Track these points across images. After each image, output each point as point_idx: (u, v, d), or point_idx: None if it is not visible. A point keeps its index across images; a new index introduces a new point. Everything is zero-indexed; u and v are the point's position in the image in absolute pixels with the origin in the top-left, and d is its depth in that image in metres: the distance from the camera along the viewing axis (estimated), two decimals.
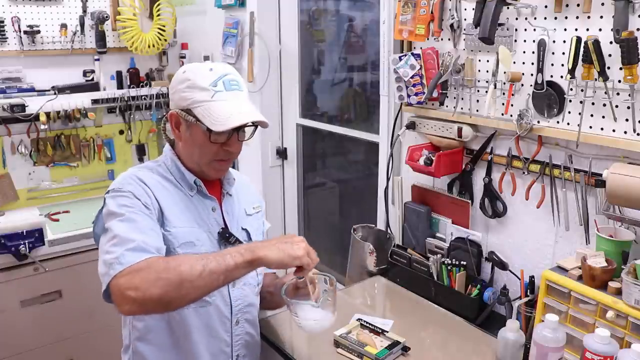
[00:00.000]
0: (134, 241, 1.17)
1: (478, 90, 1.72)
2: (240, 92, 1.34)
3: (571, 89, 1.45)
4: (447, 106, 1.85)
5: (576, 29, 1.44)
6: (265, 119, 1.34)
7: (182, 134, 1.36)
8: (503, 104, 1.64)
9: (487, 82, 1.66)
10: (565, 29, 1.47)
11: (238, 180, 1.54)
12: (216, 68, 1.34)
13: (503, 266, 1.70)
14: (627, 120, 1.38)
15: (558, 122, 1.52)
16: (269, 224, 1.64)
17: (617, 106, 1.38)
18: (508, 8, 1.56)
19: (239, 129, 1.34)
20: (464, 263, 1.75)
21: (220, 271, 1.13)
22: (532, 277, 1.58)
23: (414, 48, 1.91)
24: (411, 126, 1.95)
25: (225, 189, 1.48)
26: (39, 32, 2.72)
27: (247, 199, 1.55)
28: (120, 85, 3.00)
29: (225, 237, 1.41)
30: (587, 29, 1.41)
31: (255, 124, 1.35)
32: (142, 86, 3.03)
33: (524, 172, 1.65)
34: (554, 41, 1.50)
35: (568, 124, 1.50)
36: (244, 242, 1.44)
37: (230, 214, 1.46)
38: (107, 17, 2.84)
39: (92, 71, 2.92)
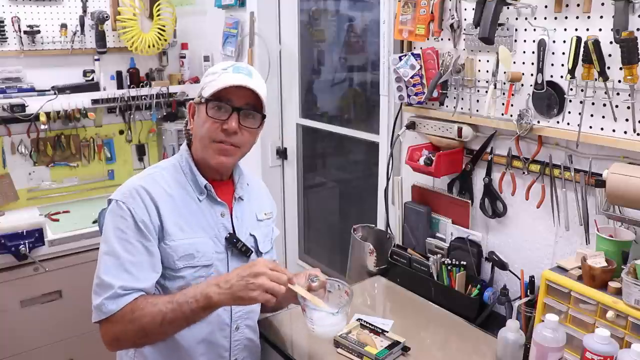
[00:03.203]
0: (112, 288, 1.24)
1: (478, 90, 1.72)
2: (247, 77, 1.34)
3: (571, 89, 1.45)
4: (447, 106, 1.85)
5: (576, 29, 1.44)
6: (262, 92, 1.34)
7: (194, 121, 1.40)
8: (503, 104, 1.64)
9: (487, 82, 1.66)
10: (565, 29, 1.47)
11: (252, 184, 1.54)
12: (239, 63, 1.40)
13: (503, 266, 1.70)
14: (627, 120, 1.38)
15: (558, 122, 1.52)
16: (278, 231, 1.63)
17: (617, 106, 1.38)
18: (508, 8, 1.56)
19: (240, 111, 1.34)
20: (464, 263, 1.75)
21: (180, 318, 1.22)
22: (532, 277, 1.58)
23: (414, 48, 1.91)
24: (411, 126, 1.95)
25: (238, 193, 1.47)
26: (39, 32, 2.71)
27: (260, 205, 1.55)
28: (120, 85, 3.00)
29: (233, 243, 1.40)
30: (587, 29, 1.41)
31: (251, 108, 1.35)
32: (142, 86, 3.03)
33: (524, 172, 1.65)
34: (554, 41, 1.50)
35: (568, 124, 1.50)
36: (251, 248, 1.44)
37: (240, 219, 1.46)
38: (107, 17, 2.84)
39: (92, 71, 2.92)
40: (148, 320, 1.21)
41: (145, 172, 1.42)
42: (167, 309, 1.21)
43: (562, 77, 1.48)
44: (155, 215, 1.31)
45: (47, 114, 2.70)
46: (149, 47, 2.93)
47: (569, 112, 1.49)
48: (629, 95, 1.34)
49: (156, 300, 1.25)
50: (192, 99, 1.42)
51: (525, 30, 1.57)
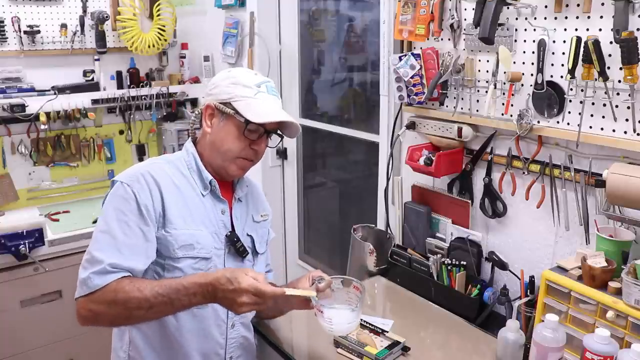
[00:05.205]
0: (102, 263, 1.23)
1: (478, 90, 1.72)
2: (278, 99, 1.42)
3: (571, 89, 1.45)
4: (447, 106, 1.85)
5: (576, 29, 1.44)
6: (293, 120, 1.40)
7: (213, 126, 1.40)
8: (503, 104, 1.64)
9: (487, 82, 1.66)
10: (565, 29, 1.47)
11: (250, 186, 1.56)
12: (259, 74, 1.44)
13: (503, 266, 1.70)
14: (627, 120, 1.38)
15: (558, 122, 1.52)
16: (274, 233, 1.65)
17: (617, 106, 1.38)
18: (508, 8, 1.56)
19: (269, 133, 1.39)
20: (464, 263, 1.75)
21: (169, 311, 1.23)
22: (532, 277, 1.58)
23: (414, 48, 1.91)
24: (411, 126, 1.95)
25: (237, 194, 1.48)
26: (39, 32, 2.72)
27: (257, 206, 1.56)
28: (120, 85, 3.00)
29: (232, 241, 1.42)
30: (587, 29, 1.41)
31: (281, 135, 1.43)
32: (142, 86, 3.03)
33: (524, 172, 1.65)
34: (554, 41, 1.50)
35: (568, 124, 1.50)
36: (248, 248, 1.45)
37: (238, 219, 1.47)
38: (107, 17, 2.84)
39: (92, 71, 2.92)
40: (133, 305, 1.20)
41: (150, 160, 1.43)
42: (156, 301, 1.19)
43: (562, 77, 1.48)
44: (159, 202, 1.31)
45: (47, 114, 2.70)
46: (149, 47, 2.93)
47: (569, 112, 1.49)
48: (629, 95, 1.34)
49: (142, 285, 1.22)
50: (192, 99, 1.43)
51: (525, 30, 1.57)
